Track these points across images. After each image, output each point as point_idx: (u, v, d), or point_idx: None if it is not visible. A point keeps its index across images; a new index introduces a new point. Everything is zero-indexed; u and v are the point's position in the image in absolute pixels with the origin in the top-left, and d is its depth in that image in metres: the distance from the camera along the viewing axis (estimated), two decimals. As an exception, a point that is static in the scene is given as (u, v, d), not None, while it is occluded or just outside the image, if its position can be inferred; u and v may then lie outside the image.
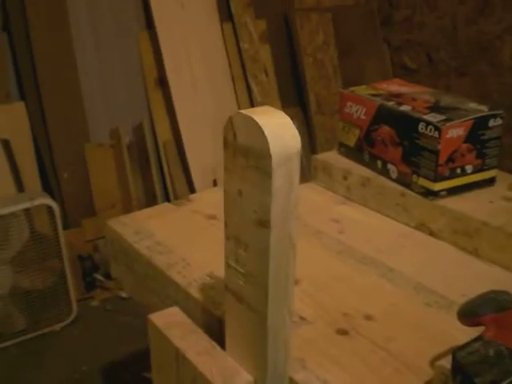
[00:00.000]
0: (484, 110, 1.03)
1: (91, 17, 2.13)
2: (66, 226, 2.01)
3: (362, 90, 1.18)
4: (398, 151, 1.07)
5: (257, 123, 0.56)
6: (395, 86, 1.19)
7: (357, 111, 1.16)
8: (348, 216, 1.09)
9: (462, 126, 1.00)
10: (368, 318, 0.78)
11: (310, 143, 2.52)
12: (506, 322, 0.62)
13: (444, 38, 2.54)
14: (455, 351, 0.61)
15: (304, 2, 2.52)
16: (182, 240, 0.98)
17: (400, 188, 1.07)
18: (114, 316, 1.96)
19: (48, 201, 1.81)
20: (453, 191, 1.03)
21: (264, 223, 0.58)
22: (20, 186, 1.99)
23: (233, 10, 2.30)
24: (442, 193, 1.02)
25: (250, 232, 0.60)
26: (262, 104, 2.33)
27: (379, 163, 1.12)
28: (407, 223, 1.06)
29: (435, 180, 1.01)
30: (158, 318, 0.77)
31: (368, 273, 0.89)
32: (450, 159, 1.01)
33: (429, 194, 1.02)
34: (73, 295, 1.93)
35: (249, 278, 0.62)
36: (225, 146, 0.61)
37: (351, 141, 1.19)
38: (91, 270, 2.10)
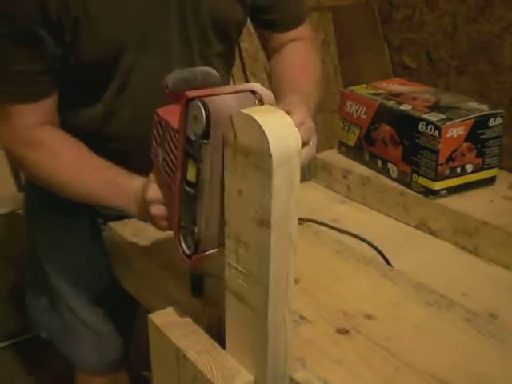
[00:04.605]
0: (484, 109, 1.03)
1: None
2: (66, 226, 2.01)
3: (362, 90, 1.18)
4: (398, 150, 1.07)
5: (257, 122, 0.56)
6: (395, 85, 1.19)
7: (357, 110, 1.16)
8: (348, 215, 1.09)
9: (462, 125, 1.00)
10: (368, 317, 0.78)
11: (310, 142, 2.52)
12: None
13: (444, 37, 2.54)
14: None
15: (304, 2, 2.52)
16: (182, 239, 0.98)
17: (400, 187, 1.07)
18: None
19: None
20: (453, 190, 1.03)
21: (264, 223, 0.58)
22: (20, 185, 1.99)
23: (233, 9, 2.30)
24: (442, 192, 1.02)
25: (251, 231, 0.60)
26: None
27: (379, 162, 1.12)
28: (407, 222, 1.06)
29: (435, 179, 1.01)
30: (158, 318, 0.77)
31: (368, 272, 0.88)
32: (450, 158, 1.01)
33: (429, 193, 1.02)
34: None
35: (249, 277, 0.62)
36: (225, 145, 0.61)
37: (351, 140, 1.19)
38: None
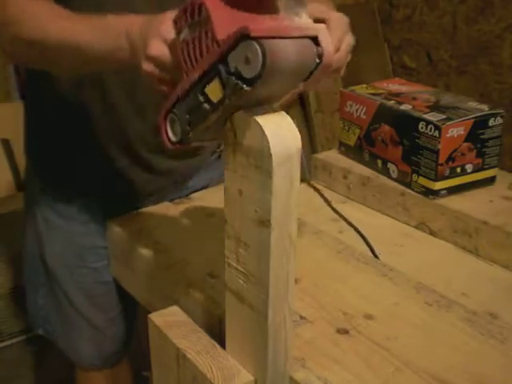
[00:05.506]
0: (484, 109, 1.03)
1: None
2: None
3: (362, 89, 1.18)
4: (398, 150, 1.07)
5: (257, 122, 0.56)
6: (395, 85, 1.19)
7: (357, 110, 1.16)
8: (348, 215, 1.09)
9: (462, 125, 1.00)
10: (368, 317, 0.78)
11: (310, 142, 2.52)
12: None
13: (444, 37, 2.54)
14: None
15: (304, 1, 2.52)
16: (182, 239, 0.98)
17: (400, 187, 1.07)
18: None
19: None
20: (453, 190, 1.03)
21: (264, 223, 0.58)
22: (20, 185, 1.99)
23: (233, 9, 2.30)
24: (442, 192, 1.02)
25: (251, 231, 0.60)
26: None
27: (379, 162, 1.12)
28: (407, 222, 1.06)
29: (435, 179, 1.01)
30: (158, 318, 0.77)
31: (368, 272, 0.89)
32: (450, 158, 1.01)
33: (429, 193, 1.02)
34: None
35: (249, 277, 0.63)
36: (225, 145, 0.61)
37: (351, 140, 1.19)
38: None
